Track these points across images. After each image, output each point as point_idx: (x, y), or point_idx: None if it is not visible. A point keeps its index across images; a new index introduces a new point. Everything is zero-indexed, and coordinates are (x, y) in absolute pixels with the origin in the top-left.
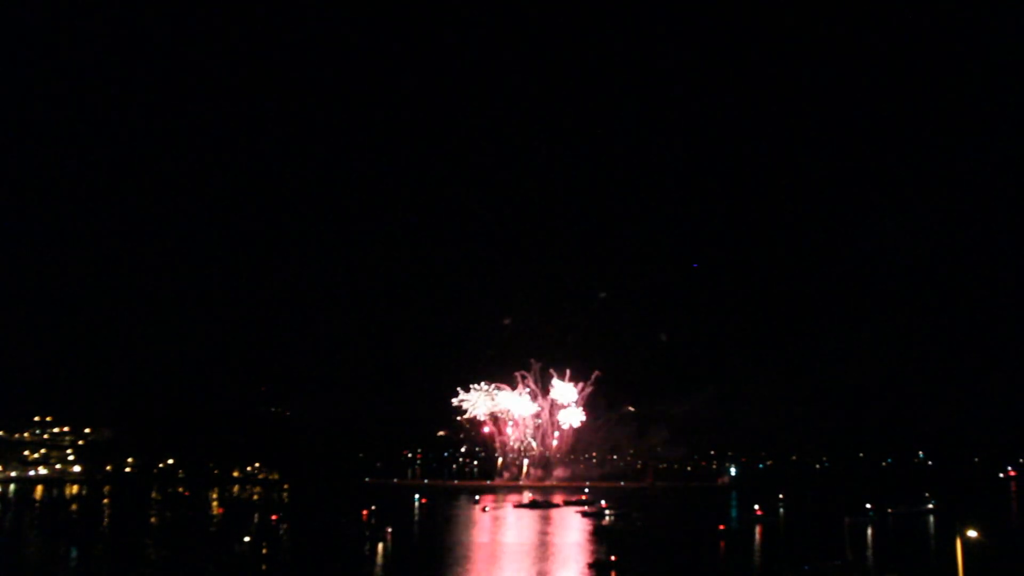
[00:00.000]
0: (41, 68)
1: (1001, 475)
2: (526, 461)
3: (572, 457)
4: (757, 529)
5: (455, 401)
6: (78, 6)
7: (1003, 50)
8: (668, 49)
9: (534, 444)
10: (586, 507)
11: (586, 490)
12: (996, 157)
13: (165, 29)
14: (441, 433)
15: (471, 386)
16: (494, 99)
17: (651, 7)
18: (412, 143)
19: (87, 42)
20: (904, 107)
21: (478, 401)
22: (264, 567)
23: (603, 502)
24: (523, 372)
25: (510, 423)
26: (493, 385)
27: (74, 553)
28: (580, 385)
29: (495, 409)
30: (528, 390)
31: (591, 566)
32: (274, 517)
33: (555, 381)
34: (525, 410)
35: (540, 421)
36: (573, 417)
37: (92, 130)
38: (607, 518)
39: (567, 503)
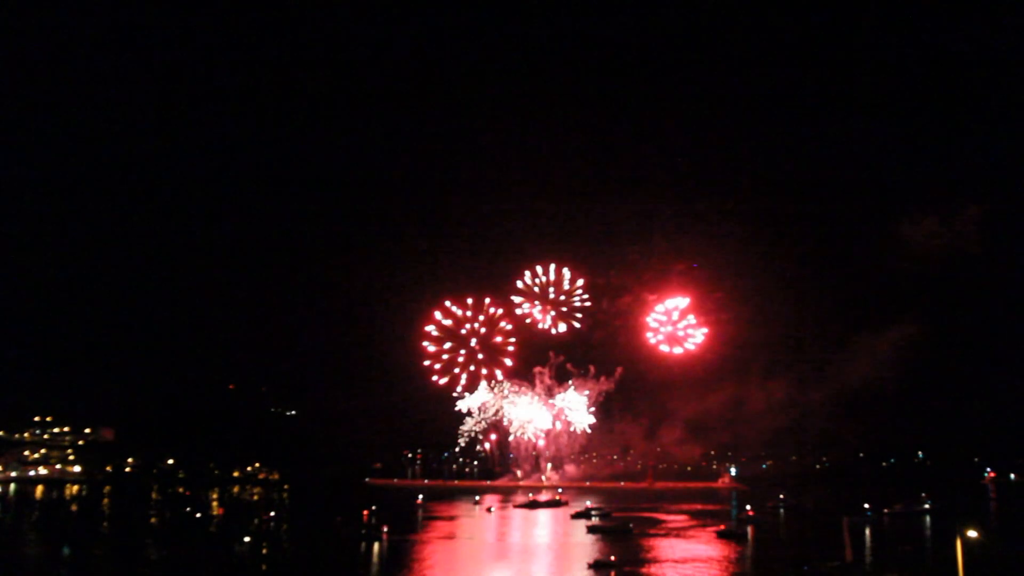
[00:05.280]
0: (40, 68)
1: (1012, 476)
2: (528, 461)
3: (573, 456)
4: (749, 529)
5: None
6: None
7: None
8: (694, 51)
9: (538, 441)
10: (585, 507)
11: (560, 490)
12: (995, 162)
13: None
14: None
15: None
16: (515, 95)
17: None
18: (422, 137)
19: (85, 41)
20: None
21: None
22: (264, 567)
23: (588, 503)
24: (540, 368)
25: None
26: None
27: (66, 551)
28: (602, 379)
29: (503, 413)
30: (543, 385)
31: (591, 566)
32: (266, 518)
33: (564, 387)
34: (533, 414)
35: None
36: (583, 419)
37: (89, 129)
38: (593, 518)
39: (540, 504)
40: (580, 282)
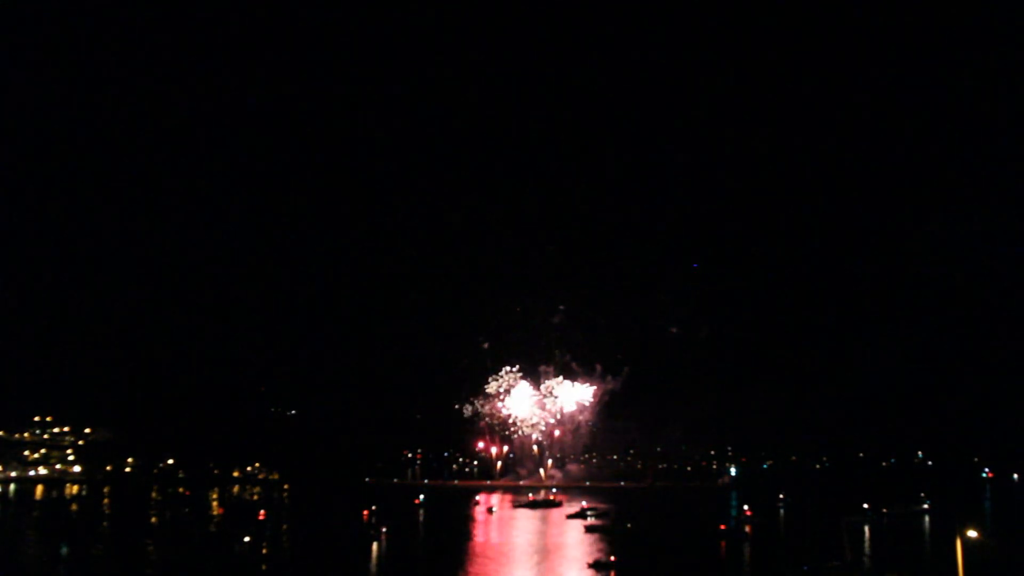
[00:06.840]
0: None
1: (1015, 476)
2: (530, 461)
3: (572, 456)
4: (746, 529)
5: (467, 410)
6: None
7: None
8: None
9: (540, 441)
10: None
11: (554, 490)
12: (996, 162)
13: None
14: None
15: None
16: (518, 96)
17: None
18: (421, 136)
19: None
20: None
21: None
22: (264, 567)
23: (584, 503)
24: (545, 367)
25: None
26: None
27: (64, 551)
28: (608, 378)
29: (504, 411)
30: (546, 385)
31: (591, 566)
32: (262, 515)
33: (562, 384)
34: (535, 413)
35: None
36: (586, 418)
37: (87, 128)
38: (589, 518)
39: (539, 504)
40: None
